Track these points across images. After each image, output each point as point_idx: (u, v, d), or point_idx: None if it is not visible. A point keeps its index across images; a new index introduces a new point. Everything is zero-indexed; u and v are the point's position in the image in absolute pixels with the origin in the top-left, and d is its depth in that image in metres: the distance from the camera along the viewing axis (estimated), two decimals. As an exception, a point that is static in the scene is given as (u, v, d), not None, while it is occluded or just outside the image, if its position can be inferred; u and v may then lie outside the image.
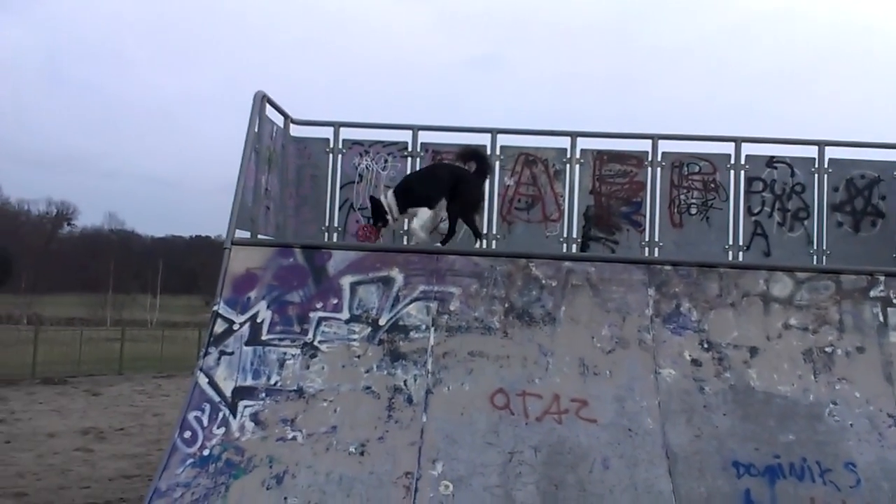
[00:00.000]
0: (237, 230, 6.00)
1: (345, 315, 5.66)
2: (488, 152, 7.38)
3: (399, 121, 7.64)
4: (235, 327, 5.56)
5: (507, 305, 5.74)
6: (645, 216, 7.38)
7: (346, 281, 5.79)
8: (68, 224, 75.24)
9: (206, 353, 5.45)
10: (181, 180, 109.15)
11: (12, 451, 11.19)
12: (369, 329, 5.61)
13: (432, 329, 5.64)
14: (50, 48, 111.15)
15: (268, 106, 6.69)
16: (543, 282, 5.85)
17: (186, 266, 63.79)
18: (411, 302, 5.74)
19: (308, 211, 7.60)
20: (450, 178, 6.75)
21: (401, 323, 5.65)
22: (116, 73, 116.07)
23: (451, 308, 5.72)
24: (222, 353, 5.46)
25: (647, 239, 7.33)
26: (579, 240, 7.38)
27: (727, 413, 5.33)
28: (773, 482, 5.06)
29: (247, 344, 5.50)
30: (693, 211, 7.37)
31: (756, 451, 5.17)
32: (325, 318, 5.64)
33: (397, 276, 5.82)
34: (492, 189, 7.40)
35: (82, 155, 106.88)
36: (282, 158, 7.22)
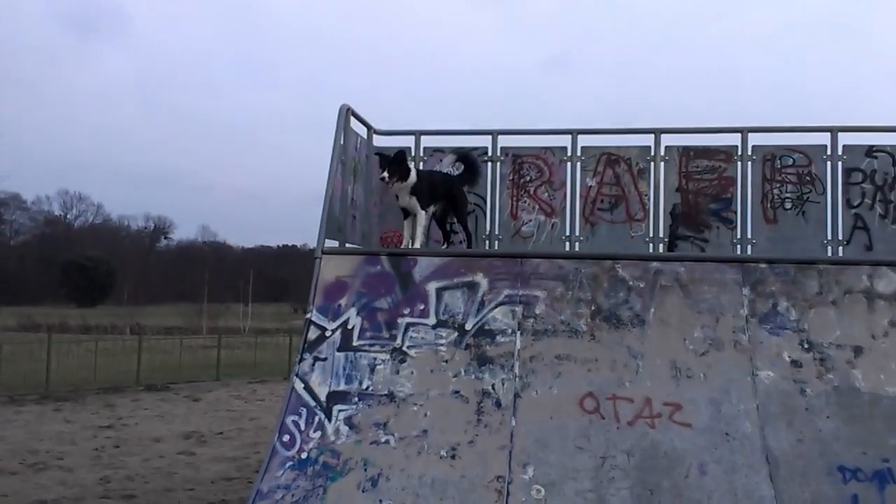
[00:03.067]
0: (326, 239, 6.19)
1: (432, 320, 5.75)
2: (568, 153, 7.36)
3: (475, 125, 7.69)
4: (328, 334, 5.74)
5: (593, 308, 5.69)
6: (736, 212, 7.12)
7: (432, 286, 5.87)
8: (165, 237, 79.44)
9: (301, 360, 5.65)
10: (268, 193, 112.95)
11: (121, 456, 11.82)
12: (456, 334, 5.67)
13: (518, 333, 5.64)
14: (142, 73, 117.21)
15: (352, 118, 6.87)
16: (630, 283, 5.76)
17: (275, 274, 65.98)
18: (497, 306, 5.77)
19: (392, 218, 7.71)
20: (445, 186, 6.96)
21: (487, 327, 5.68)
22: (204, 94, 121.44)
23: (537, 312, 5.71)
24: (316, 359, 5.64)
25: (738, 236, 7.09)
26: (666, 239, 7.20)
27: (831, 416, 5.11)
28: (883, 487, 4.82)
29: (339, 350, 5.66)
30: (788, 205, 7.06)
31: (863, 455, 4.93)
32: (413, 324, 5.74)
33: (482, 280, 5.87)
34: (573, 190, 7.35)
35: (176, 171, 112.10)
36: (366, 168, 7.39)
